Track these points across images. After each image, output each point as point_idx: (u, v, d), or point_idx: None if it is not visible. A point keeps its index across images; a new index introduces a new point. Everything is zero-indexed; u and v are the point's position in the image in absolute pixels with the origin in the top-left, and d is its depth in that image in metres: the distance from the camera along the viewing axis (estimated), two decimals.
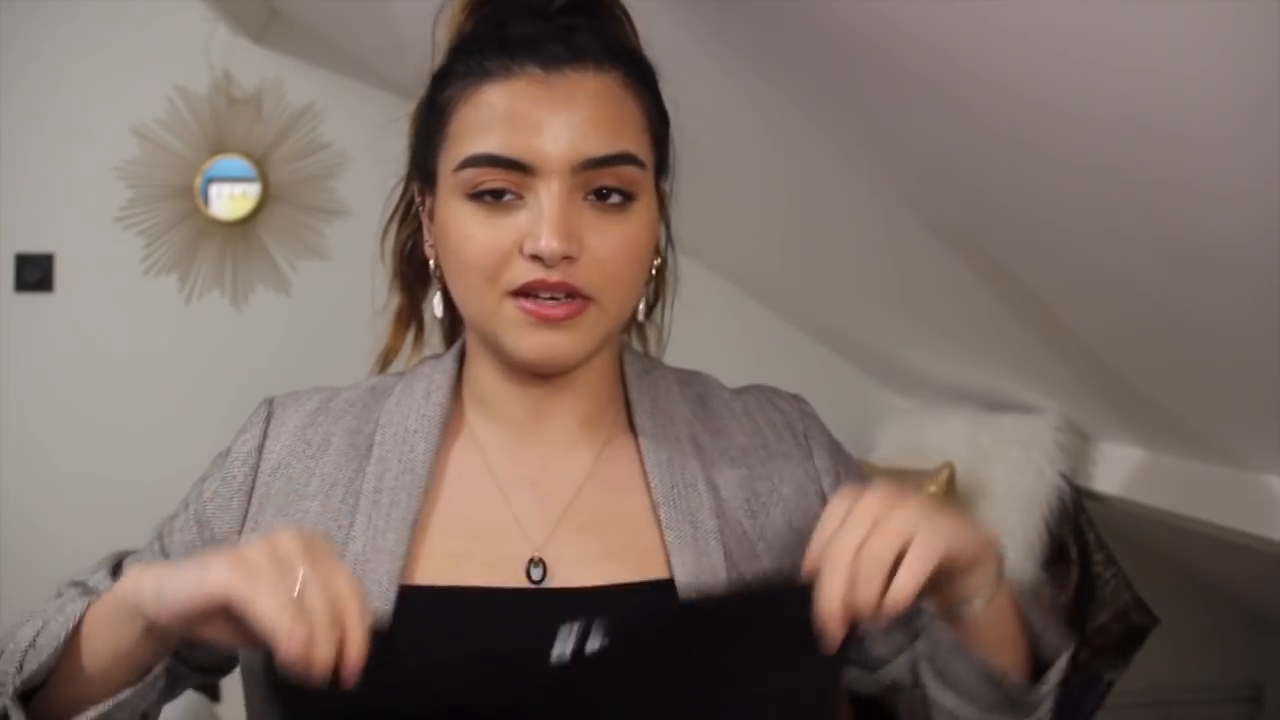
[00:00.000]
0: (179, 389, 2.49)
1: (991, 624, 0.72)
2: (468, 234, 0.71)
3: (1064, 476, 1.85)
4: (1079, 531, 1.90)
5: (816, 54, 1.13)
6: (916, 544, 0.64)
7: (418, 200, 0.80)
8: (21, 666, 0.68)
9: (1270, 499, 1.42)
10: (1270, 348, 1.08)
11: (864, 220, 1.62)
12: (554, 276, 0.69)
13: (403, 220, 0.85)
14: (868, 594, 0.62)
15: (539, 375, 0.76)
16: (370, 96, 2.46)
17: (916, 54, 0.98)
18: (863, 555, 0.63)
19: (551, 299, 0.70)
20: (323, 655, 0.58)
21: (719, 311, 2.47)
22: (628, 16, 0.79)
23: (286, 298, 2.54)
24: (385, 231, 0.85)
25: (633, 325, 0.86)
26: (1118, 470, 1.82)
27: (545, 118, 0.69)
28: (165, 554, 0.82)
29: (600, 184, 0.70)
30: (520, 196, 0.70)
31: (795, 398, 0.87)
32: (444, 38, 0.79)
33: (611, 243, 0.71)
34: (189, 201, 2.49)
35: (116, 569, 0.83)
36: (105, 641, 0.67)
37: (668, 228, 0.82)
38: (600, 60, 0.72)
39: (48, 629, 0.69)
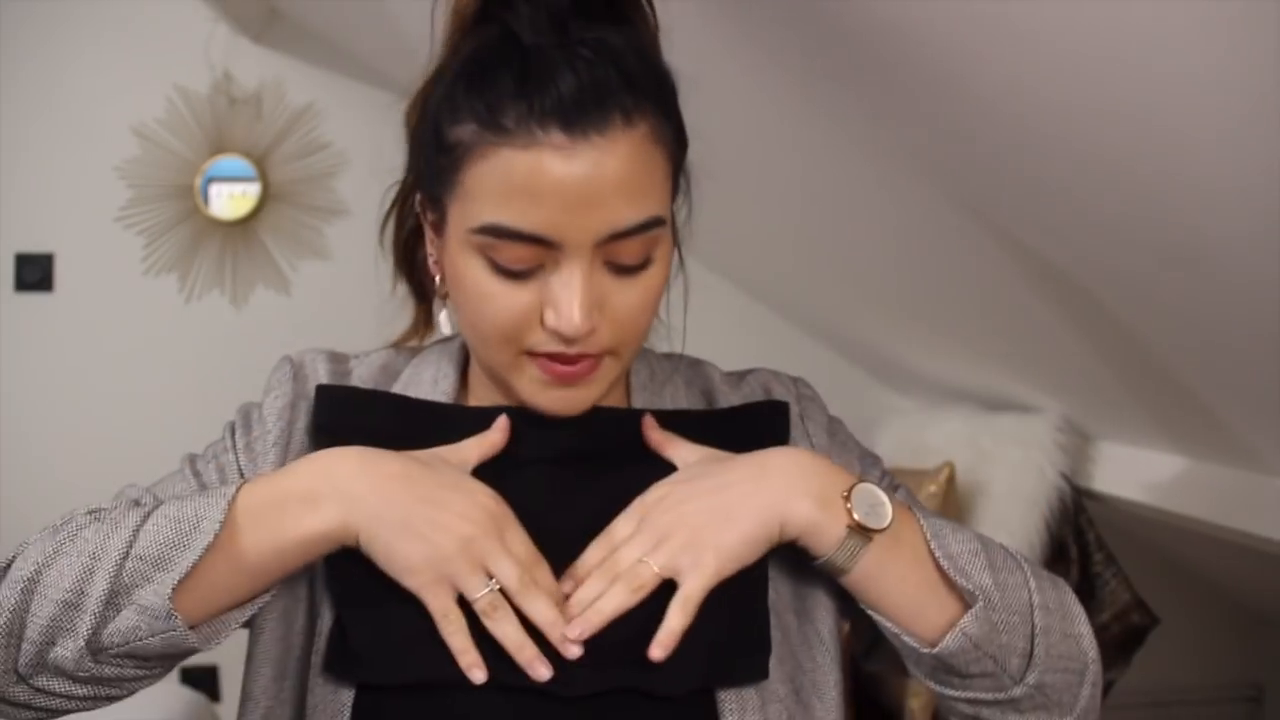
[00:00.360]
0: (179, 389, 2.49)
1: (880, 581, 0.70)
2: (485, 293, 0.69)
3: (1064, 476, 1.85)
4: (1079, 531, 1.90)
5: (822, 52, 1.13)
6: (681, 588, 0.68)
7: (419, 209, 0.77)
8: (120, 579, 0.64)
9: (1271, 499, 1.42)
10: (1271, 348, 1.08)
11: (865, 220, 1.62)
12: (573, 351, 0.69)
13: (400, 215, 0.83)
14: (600, 609, 0.68)
15: None
16: (370, 96, 2.46)
17: (920, 53, 0.98)
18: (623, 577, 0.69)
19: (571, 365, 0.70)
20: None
21: (719, 311, 2.47)
22: (653, 9, 0.75)
23: (286, 298, 2.54)
24: (383, 227, 0.83)
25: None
26: (1118, 470, 1.82)
27: (570, 194, 0.65)
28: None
29: (622, 258, 0.69)
30: (541, 265, 0.68)
31: (795, 381, 0.85)
32: (441, 25, 0.74)
33: (631, 302, 0.70)
34: (189, 201, 2.49)
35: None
36: (272, 531, 0.67)
37: (679, 249, 0.81)
38: (626, 107, 0.66)
39: (156, 530, 0.65)
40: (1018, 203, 1.18)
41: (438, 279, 0.76)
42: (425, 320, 0.85)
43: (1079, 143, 0.96)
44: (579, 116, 0.65)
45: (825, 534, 0.69)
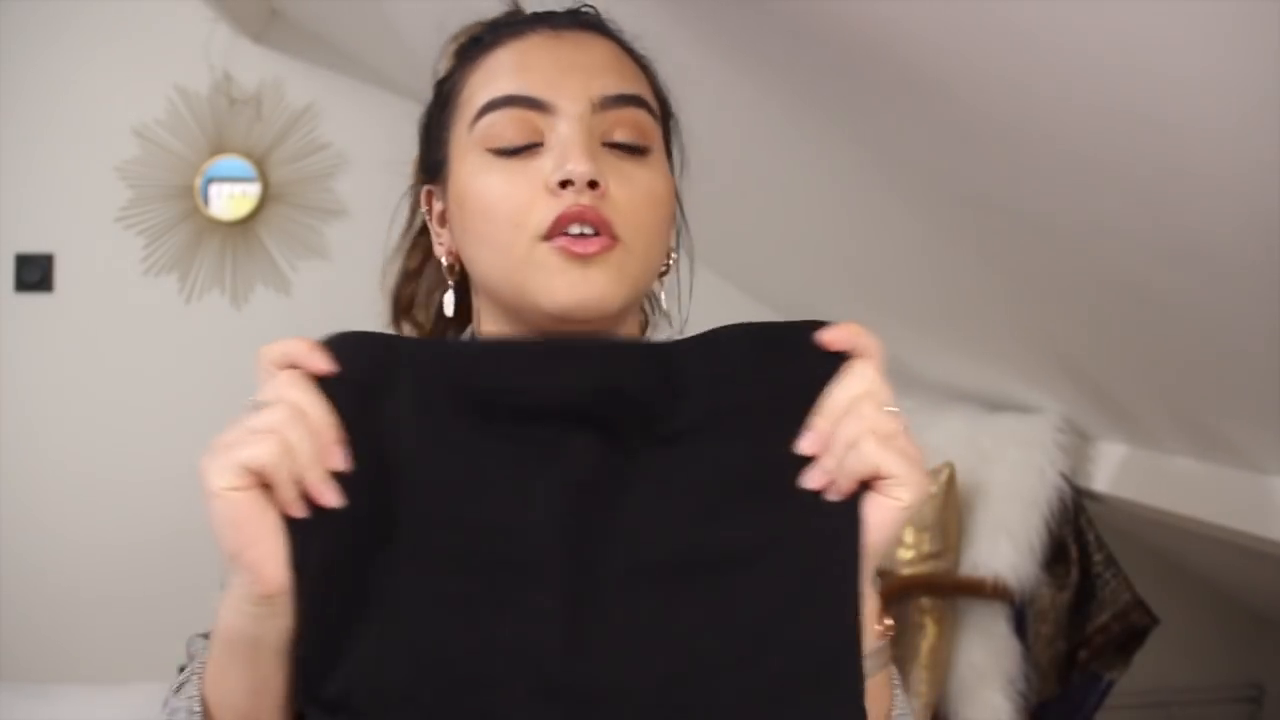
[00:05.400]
0: (179, 389, 2.49)
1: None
2: (490, 185, 0.69)
3: (1064, 476, 1.85)
4: (1079, 531, 1.90)
5: (820, 54, 1.13)
6: (900, 460, 0.61)
7: (424, 207, 0.78)
8: None
9: (1271, 499, 1.42)
10: (1271, 348, 1.08)
11: (863, 219, 1.62)
12: (585, 200, 0.66)
13: (409, 251, 0.83)
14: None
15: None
16: (370, 96, 2.47)
17: (918, 54, 0.98)
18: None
19: (583, 234, 0.67)
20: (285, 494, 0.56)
21: (717, 310, 2.47)
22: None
23: (286, 297, 2.54)
24: (395, 256, 0.83)
25: (649, 317, 0.84)
26: (1118, 470, 1.82)
27: (558, 61, 0.70)
28: None
29: (617, 130, 0.70)
30: (540, 143, 0.69)
31: None
32: (447, 62, 0.78)
33: (635, 186, 0.69)
34: (189, 201, 2.49)
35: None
36: (240, 660, 0.60)
37: (682, 216, 0.81)
38: (607, 33, 0.74)
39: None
40: (1016, 203, 1.18)
41: (444, 261, 0.76)
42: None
43: (1077, 142, 0.96)
44: (563, 20, 0.72)
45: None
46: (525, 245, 0.67)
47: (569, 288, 0.67)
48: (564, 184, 0.66)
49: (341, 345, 0.59)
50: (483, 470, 0.59)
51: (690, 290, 0.82)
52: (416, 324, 0.83)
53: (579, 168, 0.66)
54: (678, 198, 0.78)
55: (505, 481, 0.59)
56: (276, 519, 0.56)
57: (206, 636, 0.74)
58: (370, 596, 0.57)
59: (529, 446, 0.60)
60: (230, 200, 2.49)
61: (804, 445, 0.60)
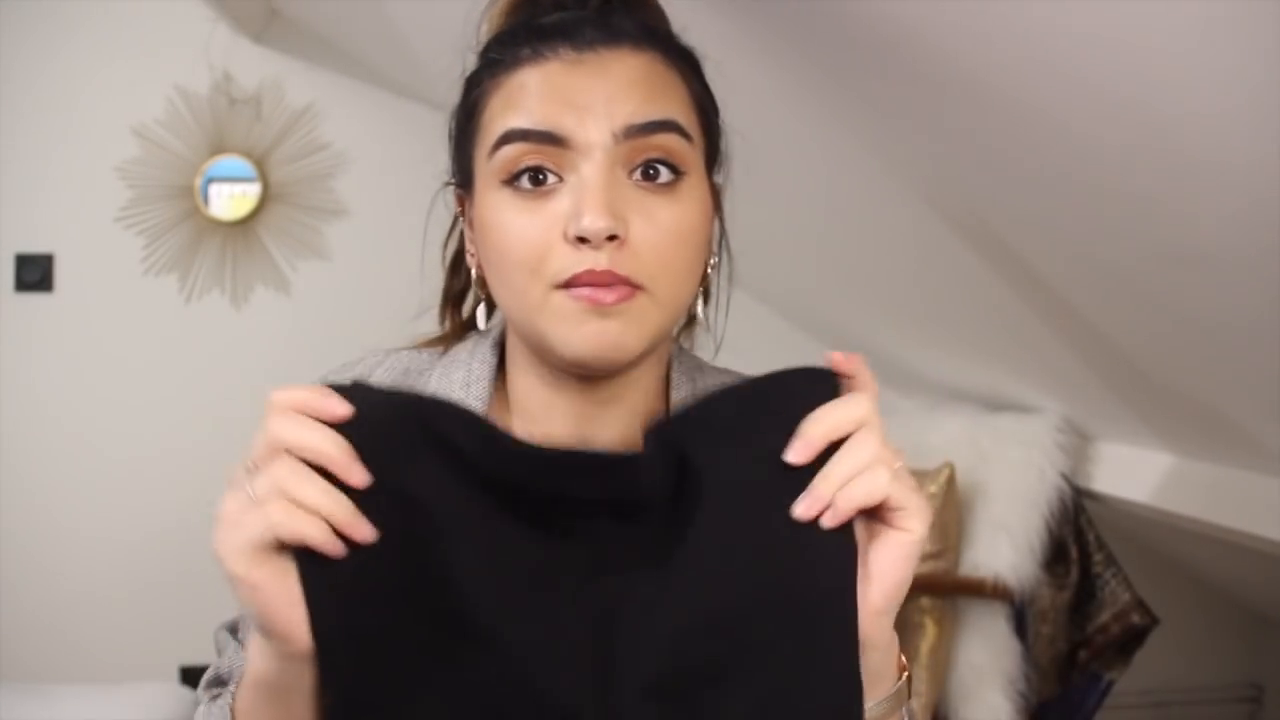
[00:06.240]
0: (179, 389, 2.49)
1: None
2: (507, 225, 0.66)
3: (1064, 477, 1.85)
4: (1079, 531, 1.90)
5: (827, 58, 1.13)
6: (902, 490, 0.56)
7: (457, 209, 0.76)
8: None
9: (1271, 499, 1.42)
10: (1271, 348, 1.08)
11: (867, 221, 1.62)
12: (601, 264, 0.63)
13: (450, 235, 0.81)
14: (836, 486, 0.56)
15: (585, 382, 0.70)
16: (370, 96, 2.46)
17: (921, 58, 0.98)
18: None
19: (602, 287, 0.64)
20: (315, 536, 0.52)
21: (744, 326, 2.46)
22: (664, 14, 0.75)
23: (286, 297, 2.54)
24: (445, 245, 0.80)
25: (685, 328, 0.81)
26: (1118, 470, 1.82)
27: (579, 91, 0.65)
28: None
29: (644, 157, 0.65)
30: (560, 178, 0.65)
31: None
32: (481, 42, 0.75)
33: (660, 226, 0.65)
34: (189, 201, 2.49)
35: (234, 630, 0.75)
36: (269, 702, 0.57)
37: (722, 225, 0.78)
38: (637, 41, 0.68)
39: None
40: (1019, 204, 1.18)
41: (474, 271, 0.74)
42: (458, 332, 0.81)
43: (1078, 143, 0.96)
44: (588, 36, 0.67)
45: (886, 674, 0.59)
46: (541, 292, 0.65)
47: (583, 340, 0.65)
48: (581, 239, 0.63)
49: (359, 394, 0.54)
50: (504, 561, 0.56)
51: (727, 305, 0.81)
52: (459, 320, 0.81)
53: (595, 224, 0.62)
54: (719, 203, 0.76)
55: (522, 574, 0.56)
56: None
57: (231, 629, 0.74)
58: (389, 668, 0.55)
59: (548, 542, 0.57)
60: (230, 200, 2.49)
61: (791, 454, 0.56)
